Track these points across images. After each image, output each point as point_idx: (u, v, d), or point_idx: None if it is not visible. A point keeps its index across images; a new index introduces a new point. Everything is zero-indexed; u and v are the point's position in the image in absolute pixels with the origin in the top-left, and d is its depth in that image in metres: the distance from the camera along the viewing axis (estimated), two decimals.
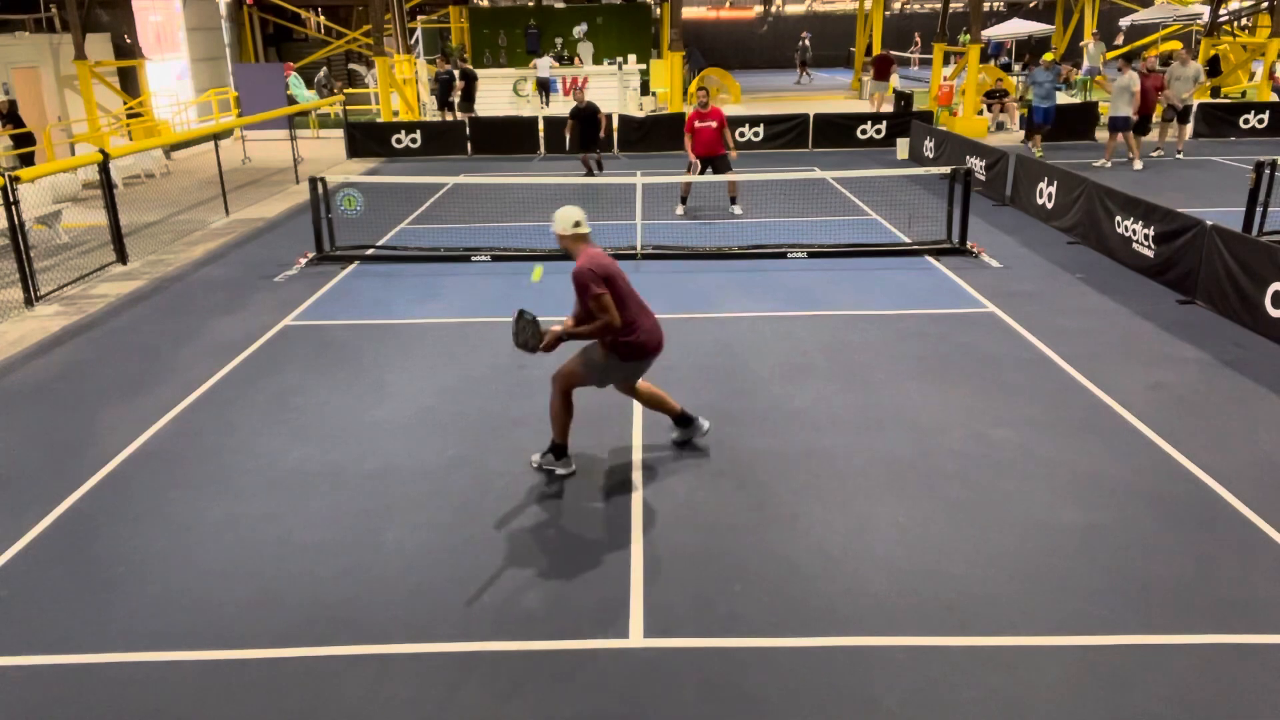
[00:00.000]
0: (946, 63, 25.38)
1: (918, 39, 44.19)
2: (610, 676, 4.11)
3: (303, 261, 11.30)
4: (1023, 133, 20.48)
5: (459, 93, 21.06)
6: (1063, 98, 23.90)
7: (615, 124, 20.29)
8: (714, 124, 12.95)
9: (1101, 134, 20.37)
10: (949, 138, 16.51)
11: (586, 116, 16.24)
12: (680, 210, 13.62)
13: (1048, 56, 19.47)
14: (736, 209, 13.59)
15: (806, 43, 39.39)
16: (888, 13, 37.98)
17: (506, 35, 28.72)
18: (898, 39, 43.86)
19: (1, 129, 16.08)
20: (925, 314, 8.88)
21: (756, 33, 48.18)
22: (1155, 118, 17.07)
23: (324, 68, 31.00)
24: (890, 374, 7.41)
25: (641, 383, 6.11)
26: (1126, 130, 16.17)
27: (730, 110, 22.81)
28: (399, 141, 20.14)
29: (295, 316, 9.25)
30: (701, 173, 13.20)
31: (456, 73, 21.31)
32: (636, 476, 5.84)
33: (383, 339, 8.51)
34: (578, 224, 5.69)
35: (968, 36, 21.86)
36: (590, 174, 16.41)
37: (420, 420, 6.75)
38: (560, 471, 5.96)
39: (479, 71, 24.05)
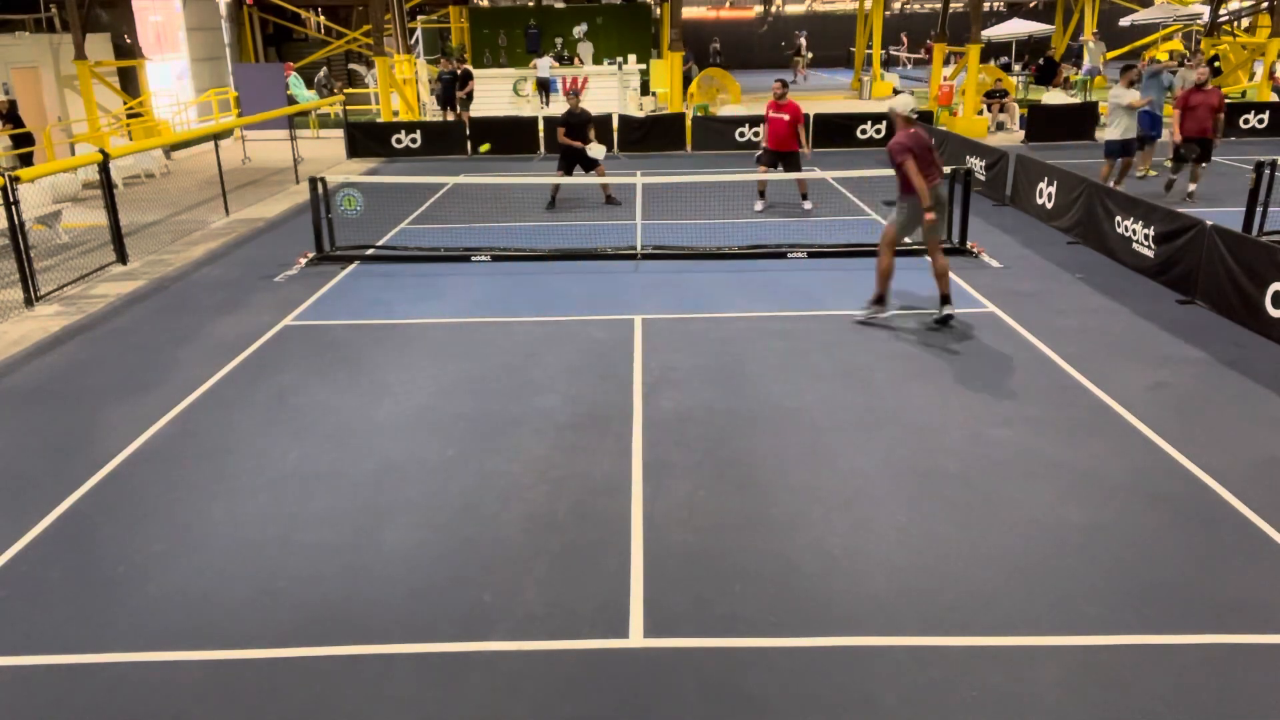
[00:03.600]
0: (947, 63, 25.38)
1: (904, 38, 44.22)
2: (610, 676, 4.11)
3: (303, 261, 11.30)
4: (1022, 133, 20.46)
5: (466, 91, 21.12)
6: (1062, 97, 23.90)
7: (615, 124, 20.29)
8: (787, 117, 12.91)
9: (1102, 134, 20.35)
10: (949, 138, 16.51)
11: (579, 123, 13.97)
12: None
13: (1161, 57, 16.74)
14: (807, 204, 13.61)
15: (717, 46, 39.37)
16: (888, 13, 37.99)
17: (506, 35, 28.72)
18: (898, 39, 43.93)
19: (1, 129, 16.08)
20: (926, 314, 8.87)
21: (756, 33, 48.19)
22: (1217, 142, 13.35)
23: (324, 68, 31.03)
24: (890, 374, 7.41)
25: (941, 259, 8.47)
26: (1126, 156, 13.36)
27: (730, 110, 22.84)
28: (399, 141, 20.14)
29: (295, 316, 9.25)
30: (773, 168, 13.24)
31: (459, 72, 21.34)
32: (636, 476, 5.84)
33: (383, 339, 8.51)
34: (913, 111, 8.35)
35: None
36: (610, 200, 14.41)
37: (420, 420, 6.75)
38: (881, 315, 8.52)
39: (478, 71, 24.09)
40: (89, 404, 7.21)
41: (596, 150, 13.89)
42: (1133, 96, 13.00)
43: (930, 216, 8.42)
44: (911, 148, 8.19)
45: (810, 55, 40.90)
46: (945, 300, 8.51)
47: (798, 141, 13.01)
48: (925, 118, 19.98)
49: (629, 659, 4.22)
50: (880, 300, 8.57)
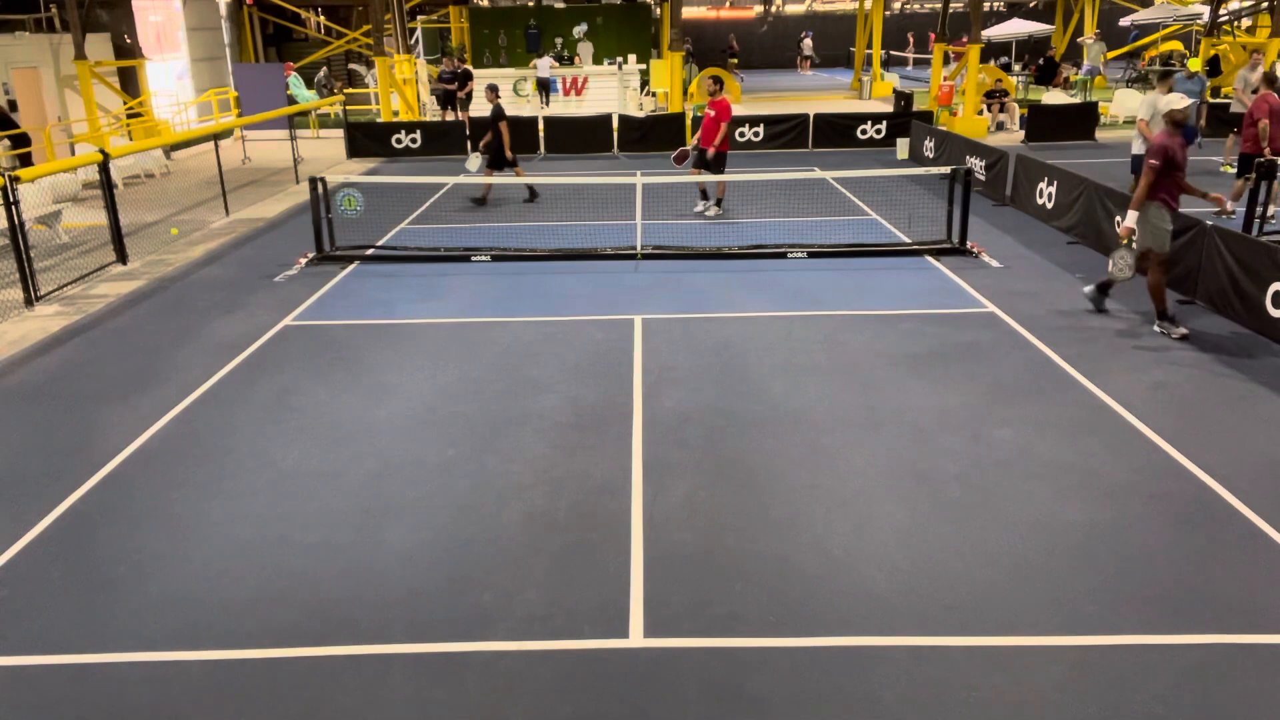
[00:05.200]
0: (946, 62, 25.39)
1: (911, 38, 44.25)
2: (610, 676, 4.11)
3: (303, 261, 11.30)
4: (1022, 133, 20.45)
5: (466, 92, 21.16)
6: (1062, 97, 23.90)
7: (615, 124, 20.30)
8: (713, 114, 12.88)
9: (1105, 134, 20.35)
10: (949, 138, 16.51)
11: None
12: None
13: (1193, 64, 15.68)
14: (699, 205, 13.59)
15: (690, 47, 39.37)
16: (888, 13, 37.99)
17: (506, 35, 28.72)
18: (898, 39, 43.93)
19: None
20: (925, 314, 8.88)
21: (756, 33, 48.19)
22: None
23: (324, 68, 31.01)
24: (890, 374, 7.41)
25: (1152, 274, 8.12)
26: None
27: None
28: (399, 141, 20.14)
29: (295, 316, 9.25)
30: (703, 168, 13.17)
31: (458, 71, 21.35)
32: (636, 476, 5.84)
33: (383, 339, 8.51)
34: (1173, 112, 7.94)
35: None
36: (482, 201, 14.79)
37: (420, 420, 6.75)
38: (1176, 334, 8.06)
39: (478, 71, 24.10)
40: (89, 404, 7.21)
41: (472, 162, 14.30)
42: (1143, 113, 11.82)
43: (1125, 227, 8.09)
44: (1150, 155, 8.00)
45: (737, 60, 41.10)
46: (1160, 316, 8.25)
47: (710, 140, 12.82)
48: (924, 118, 19.94)
49: (629, 659, 4.22)
50: (1164, 315, 8.23)
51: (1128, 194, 10.82)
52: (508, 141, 14.09)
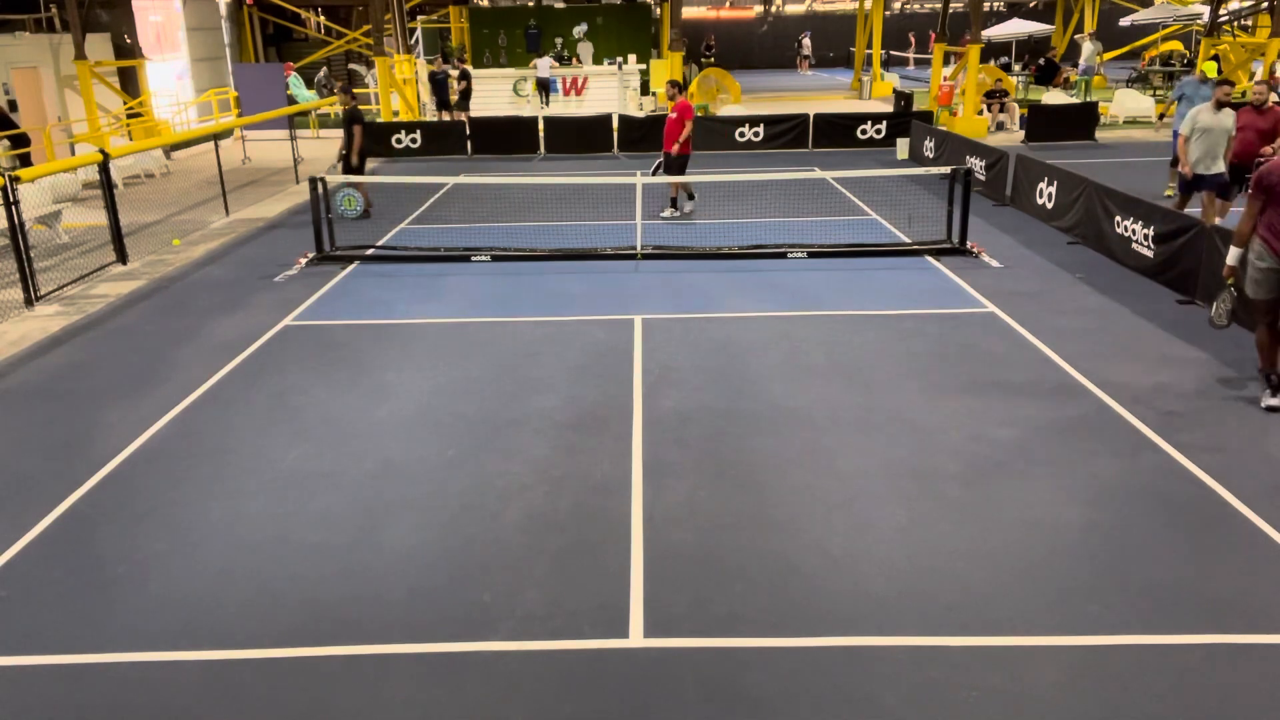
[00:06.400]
0: (946, 63, 25.39)
1: (912, 38, 44.29)
2: (610, 676, 4.11)
3: (303, 261, 11.30)
4: (1022, 133, 20.44)
5: (458, 92, 21.16)
6: (1062, 97, 23.90)
7: (615, 124, 20.30)
8: (674, 115, 12.84)
9: (1105, 134, 20.34)
10: (949, 138, 16.51)
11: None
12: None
13: (1209, 68, 13.88)
14: (666, 212, 13.39)
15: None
16: (887, 13, 37.99)
17: (506, 35, 28.74)
18: (898, 39, 43.95)
19: None
20: (925, 314, 8.88)
21: (756, 33, 48.21)
22: None
23: (324, 68, 31.02)
24: (890, 374, 7.41)
25: (1259, 332, 6.71)
26: (1211, 190, 10.73)
27: (730, 110, 22.83)
28: (399, 141, 20.14)
29: (295, 316, 9.25)
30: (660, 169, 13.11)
31: (455, 73, 21.36)
32: (636, 476, 5.84)
33: (383, 339, 8.51)
34: None
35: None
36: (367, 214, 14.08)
37: (420, 420, 6.75)
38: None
39: (478, 72, 24.11)
40: (89, 404, 7.21)
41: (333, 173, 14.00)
42: (1183, 129, 10.75)
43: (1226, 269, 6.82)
44: (1259, 181, 6.52)
45: (713, 59, 41.11)
46: (1265, 381, 6.72)
47: (673, 141, 12.77)
48: (924, 118, 19.90)
49: (629, 659, 4.22)
50: (1268, 374, 6.72)
51: (1174, 210, 9.81)
52: (358, 147, 13.65)
